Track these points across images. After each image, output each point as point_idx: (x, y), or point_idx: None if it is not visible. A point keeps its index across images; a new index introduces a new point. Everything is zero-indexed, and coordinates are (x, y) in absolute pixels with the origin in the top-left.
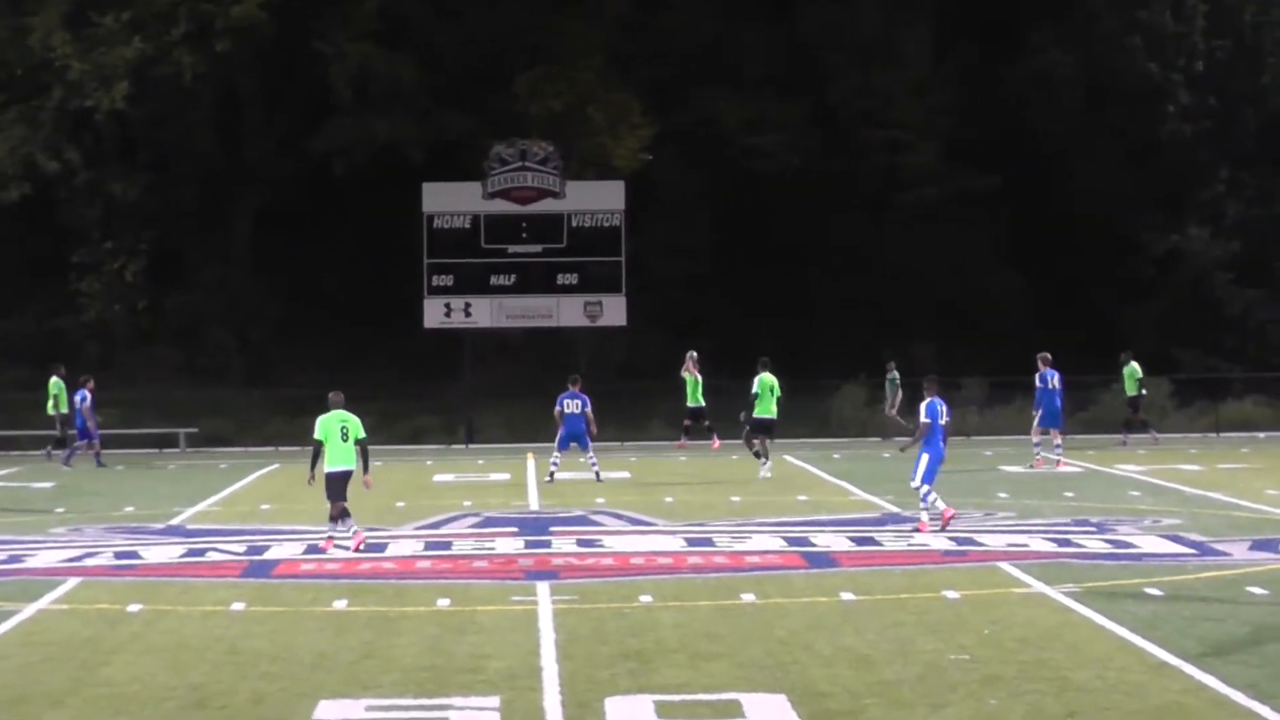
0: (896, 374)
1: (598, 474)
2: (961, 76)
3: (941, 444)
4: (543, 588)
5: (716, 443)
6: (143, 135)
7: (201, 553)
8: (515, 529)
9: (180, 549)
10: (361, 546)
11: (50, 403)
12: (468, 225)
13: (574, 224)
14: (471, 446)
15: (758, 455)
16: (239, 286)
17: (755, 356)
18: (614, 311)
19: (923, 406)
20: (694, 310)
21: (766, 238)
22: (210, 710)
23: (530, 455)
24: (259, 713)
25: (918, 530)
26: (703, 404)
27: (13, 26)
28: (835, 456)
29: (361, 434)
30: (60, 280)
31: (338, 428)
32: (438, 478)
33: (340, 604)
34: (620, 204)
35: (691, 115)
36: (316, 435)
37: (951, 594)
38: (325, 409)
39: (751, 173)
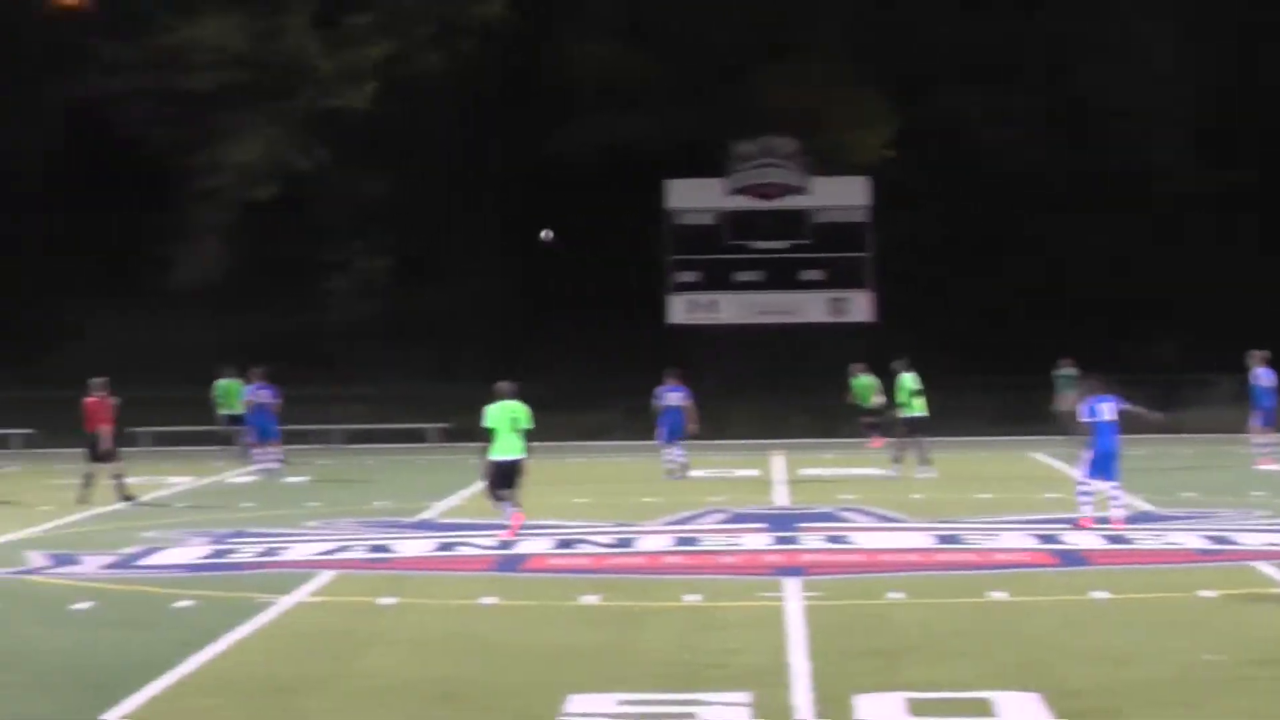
0: (1070, 370)
1: (681, 469)
2: (1212, 69)
3: (1110, 440)
4: (791, 584)
5: (878, 441)
6: (390, 134)
7: (452, 547)
8: (763, 525)
9: (431, 543)
10: (515, 535)
11: (221, 403)
12: (711, 222)
13: (818, 220)
14: (718, 442)
15: (897, 460)
16: (486, 284)
17: (997, 353)
18: (859, 307)
19: (1083, 407)
20: (936, 306)
21: (1010, 234)
22: (461, 702)
23: (778, 451)
24: (509, 706)
25: (1078, 525)
26: (874, 404)
27: (264, 28)
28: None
29: (529, 424)
30: (310, 278)
31: (507, 417)
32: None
33: (589, 598)
34: (864, 199)
35: (934, 110)
36: (487, 424)
37: (1206, 593)
38: (497, 399)
39: (994, 168)
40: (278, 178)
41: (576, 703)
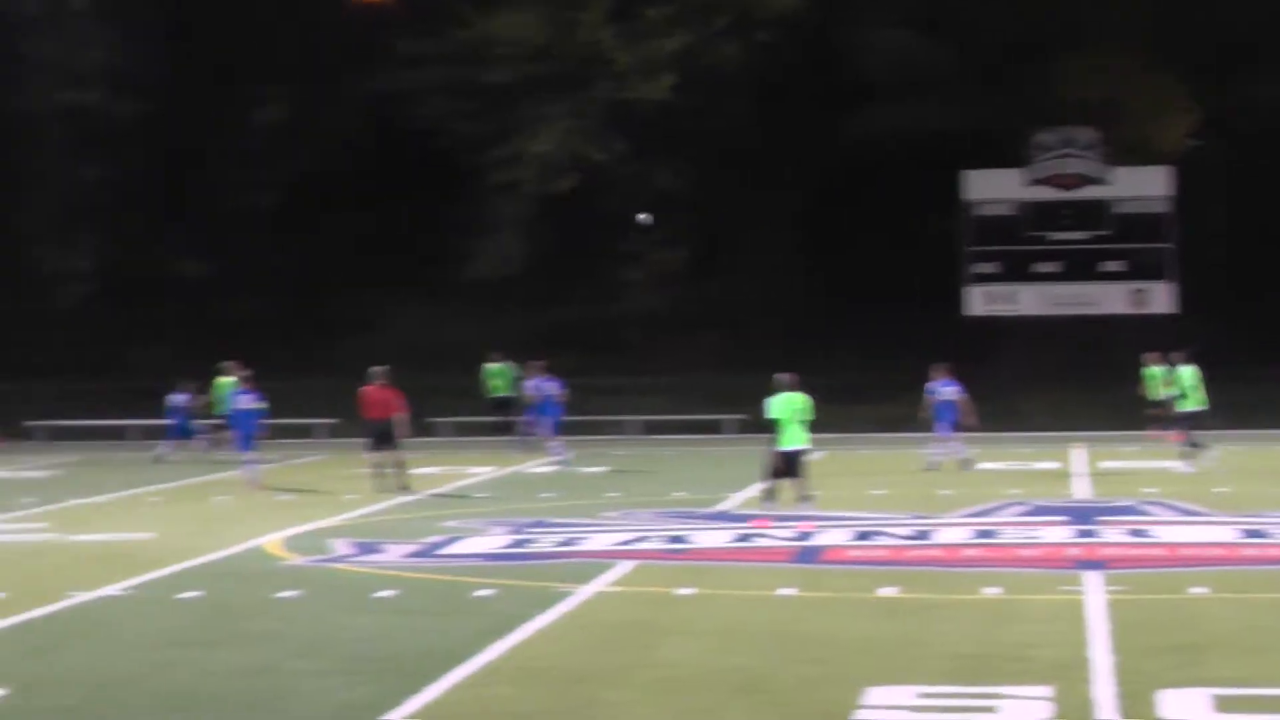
0: None
1: (937, 464)
2: None
3: None
4: (1091, 577)
5: (1171, 435)
6: (686, 126)
7: (750, 538)
8: (1063, 518)
9: (729, 534)
10: (767, 529)
11: (490, 387)
12: (1010, 212)
13: (1118, 210)
14: (1016, 434)
15: (1186, 457)
16: (780, 274)
17: None
18: (1160, 298)
19: None
20: (1240, 297)
21: None
22: (759, 694)
23: (1078, 444)
24: (807, 697)
25: None
26: (1162, 396)
27: (561, 20)
28: None
29: (811, 414)
30: (605, 270)
31: (791, 408)
32: (983, 465)
33: (887, 590)
34: (1166, 190)
35: (1236, 98)
36: (774, 415)
37: None
38: (774, 390)
39: None
40: (574, 170)
41: (875, 695)
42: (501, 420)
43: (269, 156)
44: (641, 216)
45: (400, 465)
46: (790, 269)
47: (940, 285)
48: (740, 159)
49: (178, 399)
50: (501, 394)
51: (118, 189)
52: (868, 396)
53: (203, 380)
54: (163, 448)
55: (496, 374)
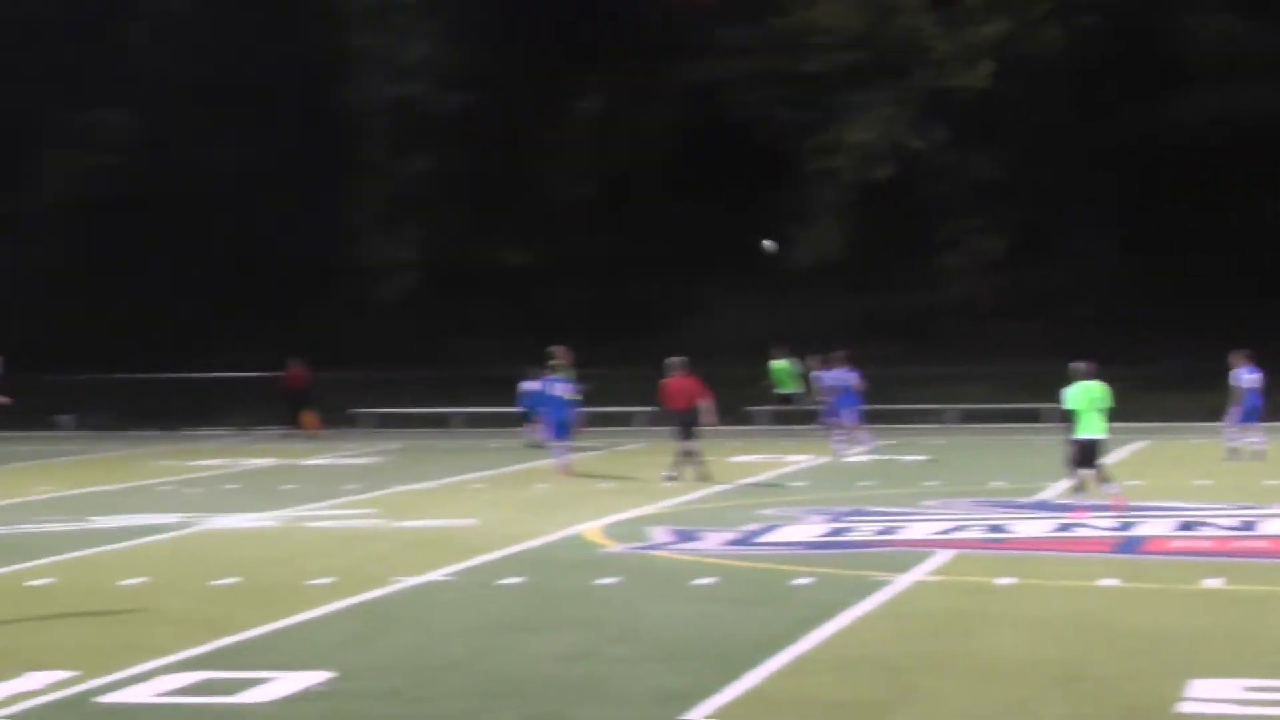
0: None
1: (1255, 454)
2: None
3: None
4: None
5: None
6: (1005, 112)
7: (1071, 528)
8: None
9: (1050, 524)
10: (1121, 508)
11: (778, 380)
12: None
13: None
14: None
15: None
16: (1100, 261)
17: None
18: None
19: None
20: None
21: None
22: (1080, 685)
23: None
24: (1129, 689)
25: None
26: None
27: (880, 8)
28: None
29: (1109, 403)
30: (923, 257)
31: (1088, 398)
32: None
33: (1212, 582)
34: None
35: None
36: (1070, 405)
37: None
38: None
39: None
40: (893, 158)
41: (1199, 688)
42: (790, 411)
43: (589, 147)
44: (767, 243)
45: (689, 455)
46: (1110, 256)
47: (1266, 270)
48: (1059, 146)
49: (529, 385)
50: (787, 390)
51: (441, 180)
52: (1192, 385)
53: (540, 367)
54: (530, 432)
55: (780, 369)
